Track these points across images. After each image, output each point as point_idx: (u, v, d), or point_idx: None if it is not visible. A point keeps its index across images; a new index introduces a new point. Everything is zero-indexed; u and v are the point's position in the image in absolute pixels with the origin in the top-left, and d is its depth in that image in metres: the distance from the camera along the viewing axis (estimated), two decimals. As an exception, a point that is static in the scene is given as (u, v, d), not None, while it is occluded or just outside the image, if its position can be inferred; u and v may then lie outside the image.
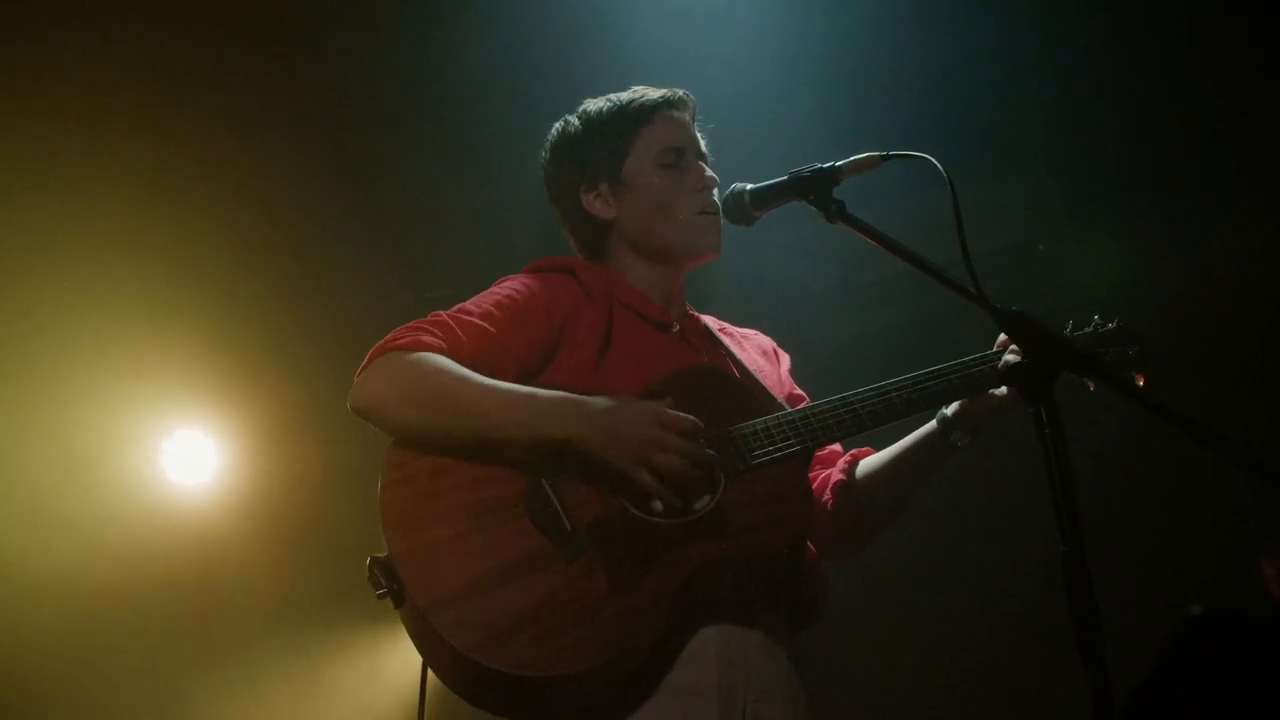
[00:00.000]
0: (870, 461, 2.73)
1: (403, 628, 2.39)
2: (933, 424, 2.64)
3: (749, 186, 2.52)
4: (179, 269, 5.26)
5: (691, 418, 2.37)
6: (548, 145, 2.83)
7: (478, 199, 5.35)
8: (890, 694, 5.57)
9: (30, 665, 5.44)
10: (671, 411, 2.36)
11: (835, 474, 2.73)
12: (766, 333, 2.99)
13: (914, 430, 2.69)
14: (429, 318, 2.53)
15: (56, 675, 5.48)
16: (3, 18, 4.50)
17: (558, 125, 2.82)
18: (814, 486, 2.72)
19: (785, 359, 2.93)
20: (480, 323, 2.51)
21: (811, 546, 2.61)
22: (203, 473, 5.85)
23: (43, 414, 5.40)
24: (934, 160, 2.23)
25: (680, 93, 2.79)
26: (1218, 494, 4.72)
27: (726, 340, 2.81)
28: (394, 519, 2.34)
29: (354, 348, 2.55)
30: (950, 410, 2.62)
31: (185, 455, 5.82)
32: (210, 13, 4.62)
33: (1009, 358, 2.52)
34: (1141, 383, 2.60)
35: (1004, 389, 2.54)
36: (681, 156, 2.73)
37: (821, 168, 2.39)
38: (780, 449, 2.46)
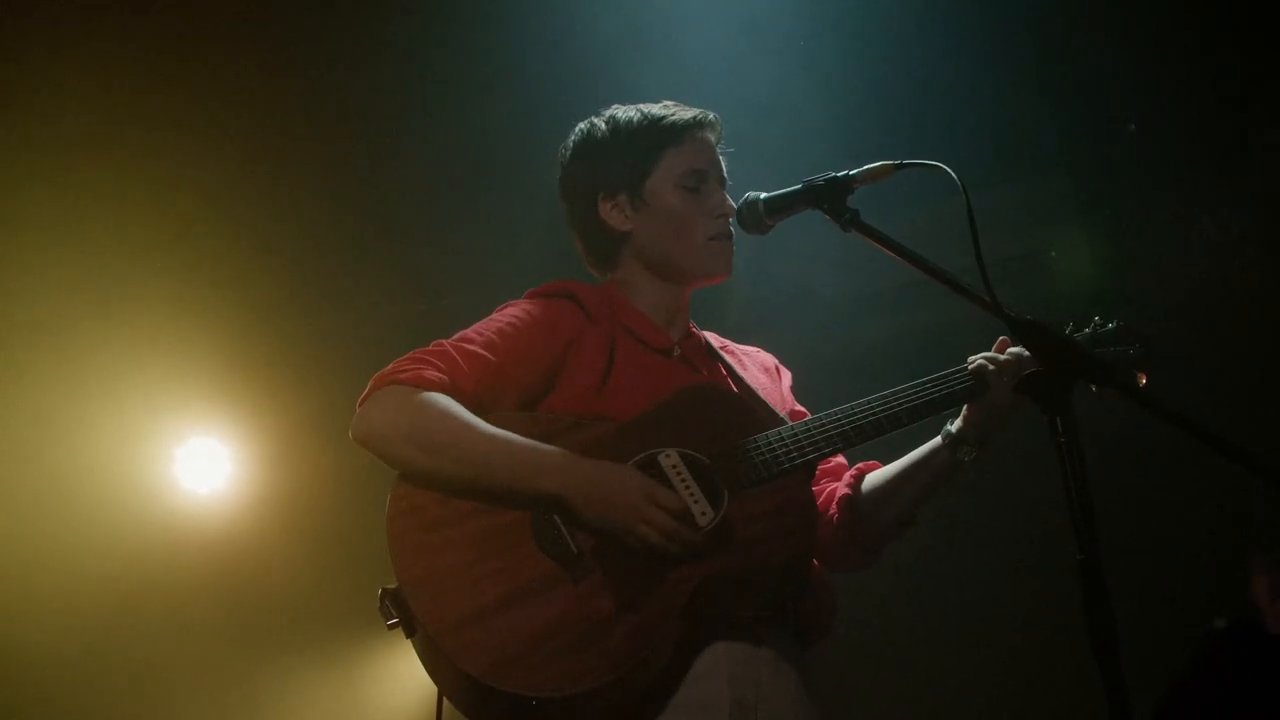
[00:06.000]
0: (876, 476, 2.73)
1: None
2: (938, 440, 2.64)
3: (763, 195, 2.52)
4: (192, 277, 5.27)
5: (679, 499, 2.37)
6: (570, 144, 2.80)
7: (489, 208, 5.36)
8: (901, 710, 5.55)
9: (44, 673, 5.45)
10: (664, 490, 2.36)
11: (840, 488, 2.73)
12: (778, 340, 3.00)
13: (920, 443, 2.68)
14: (431, 347, 2.53)
15: (70, 683, 5.49)
16: (12, 17, 4.51)
17: (583, 126, 2.80)
18: (819, 501, 2.72)
19: (787, 376, 2.93)
20: (482, 352, 2.52)
21: (816, 562, 2.61)
22: (216, 480, 5.86)
23: (56, 422, 5.41)
24: (948, 169, 2.23)
25: (711, 115, 2.77)
26: (1234, 500, 4.70)
27: (728, 358, 2.81)
28: (402, 548, 2.36)
29: (366, 354, 2.56)
30: (954, 425, 2.62)
31: (199, 463, 5.82)
32: (219, 18, 4.64)
33: (1014, 350, 2.53)
34: (1144, 381, 2.59)
35: (1008, 395, 2.53)
36: (704, 180, 2.72)
37: (836, 176, 2.39)
38: (783, 462, 2.47)
